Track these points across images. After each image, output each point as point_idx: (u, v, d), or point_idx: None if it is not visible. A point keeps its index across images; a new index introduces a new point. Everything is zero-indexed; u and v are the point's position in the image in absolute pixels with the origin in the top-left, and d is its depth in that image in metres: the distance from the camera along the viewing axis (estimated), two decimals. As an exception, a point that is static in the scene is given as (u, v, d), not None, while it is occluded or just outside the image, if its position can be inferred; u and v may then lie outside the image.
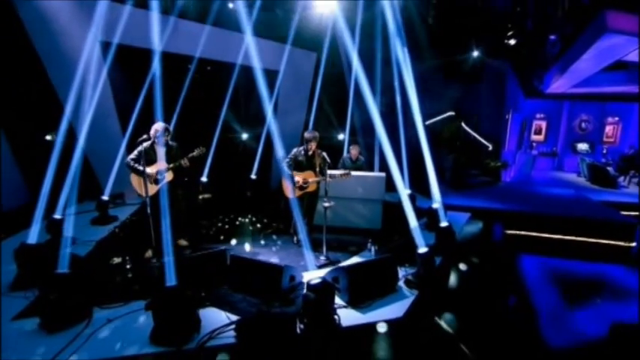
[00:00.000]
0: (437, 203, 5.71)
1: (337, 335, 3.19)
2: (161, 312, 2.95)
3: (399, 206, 6.66)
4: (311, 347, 3.07)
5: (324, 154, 5.13)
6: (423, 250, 4.00)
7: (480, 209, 7.41)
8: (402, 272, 4.36)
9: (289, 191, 5.20)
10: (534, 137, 13.94)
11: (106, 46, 6.88)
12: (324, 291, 3.15)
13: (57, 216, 5.22)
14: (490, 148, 10.46)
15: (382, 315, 3.55)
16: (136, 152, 4.72)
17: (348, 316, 3.50)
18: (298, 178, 5.25)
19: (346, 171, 5.30)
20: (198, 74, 8.48)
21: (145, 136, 4.90)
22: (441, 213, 5.41)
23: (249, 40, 7.82)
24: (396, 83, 8.87)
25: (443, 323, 3.45)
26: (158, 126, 4.71)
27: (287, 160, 5.30)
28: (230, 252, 4.29)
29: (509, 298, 4.49)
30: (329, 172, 5.24)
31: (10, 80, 6.33)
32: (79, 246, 5.12)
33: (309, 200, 5.41)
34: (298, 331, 3.18)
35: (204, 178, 8.75)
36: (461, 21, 10.67)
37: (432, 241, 5.09)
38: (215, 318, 3.39)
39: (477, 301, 3.96)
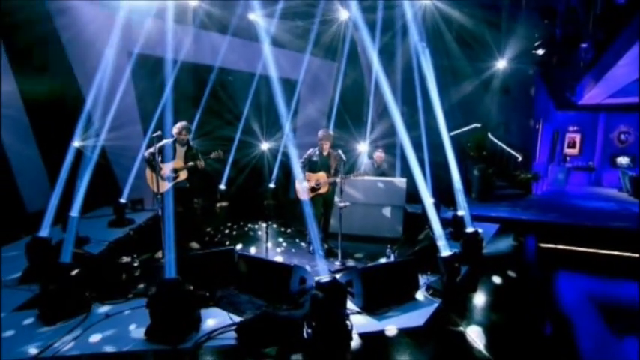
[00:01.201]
0: (462, 211, 5.33)
1: (348, 342, 2.85)
2: (158, 305, 2.75)
3: (421, 217, 6.33)
4: (319, 354, 2.75)
5: (340, 152, 4.88)
6: (446, 253, 3.63)
7: (510, 220, 6.88)
8: (423, 280, 3.99)
9: (301, 193, 4.99)
10: (568, 151, 13.16)
11: (131, 55, 7.12)
12: (334, 290, 2.85)
13: (74, 214, 5.24)
14: (519, 159, 9.90)
15: (400, 323, 3.19)
16: (152, 148, 4.70)
17: (361, 323, 3.17)
18: (310, 179, 5.04)
19: (360, 172, 5.06)
20: (219, 83, 8.62)
21: (159, 132, 4.91)
22: (467, 220, 5.02)
23: (268, 50, 7.95)
24: (419, 93, 8.69)
25: (471, 335, 3.04)
26: (180, 125, 4.78)
27: (301, 160, 5.12)
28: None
29: (546, 323, 3.96)
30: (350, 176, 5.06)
31: (44, 88, 6.51)
32: (92, 245, 5.11)
33: (324, 204, 5.15)
34: (305, 335, 2.88)
35: (222, 186, 8.72)
36: (485, 33, 10.41)
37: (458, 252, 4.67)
38: (217, 319, 3.16)
39: (510, 319, 3.48)
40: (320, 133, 5.05)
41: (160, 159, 4.60)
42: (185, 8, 7.69)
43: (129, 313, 3.23)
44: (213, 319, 3.15)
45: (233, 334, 2.88)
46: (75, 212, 5.33)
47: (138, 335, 2.85)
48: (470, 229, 4.62)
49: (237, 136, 8.80)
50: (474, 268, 4.40)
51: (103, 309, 3.28)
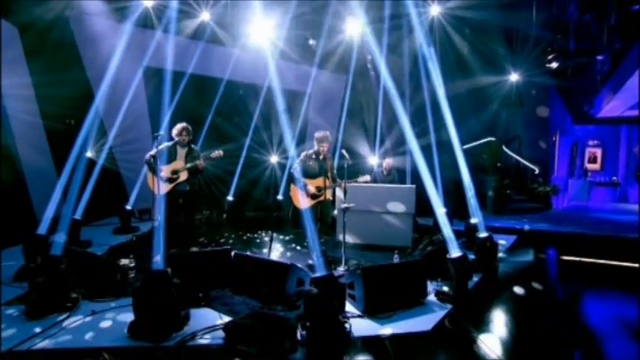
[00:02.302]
0: (475, 218, 5.05)
1: (346, 345, 2.59)
2: (143, 298, 2.57)
3: (432, 229, 6.04)
4: (313, 357, 2.50)
5: (344, 151, 4.59)
6: (456, 254, 3.35)
7: (528, 231, 6.48)
8: (433, 287, 3.69)
9: (301, 201, 4.60)
10: (589, 166, 12.63)
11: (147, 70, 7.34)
12: (330, 286, 2.61)
13: (77, 217, 5.23)
14: (536, 171, 9.51)
15: (405, 327, 2.90)
16: (155, 150, 4.67)
17: (362, 326, 2.90)
18: (310, 185, 4.63)
19: (365, 176, 4.79)
20: (227, 96, 8.72)
21: (161, 132, 4.89)
22: (481, 226, 4.72)
23: (277, 63, 8.07)
24: (428, 105, 8.58)
25: (485, 343, 2.73)
26: (179, 126, 4.74)
27: (295, 165, 4.68)
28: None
29: (569, 339, 3.56)
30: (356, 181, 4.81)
31: (62, 100, 6.64)
32: (93, 249, 5.03)
33: (322, 209, 4.78)
34: (299, 337, 2.64)
35: (230, 198, 8.64)
36: (497, 46, 10.33)
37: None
38: (207, 319, 2.95)
39: (530, 331, 3.13)
40: (319, 134, 4.65)
41: (159, 161, 4.56)
42: (195, 23, 7.89)
43: (116, 311, 3.06)
44: (203, 319, 2.94)
45: (221, 334, 2.66)
46: (77, 215, 5.36)
47: (120, 332, 2.66)
48: (483, 234, 4.32)
49: (245, 148, 8.80)
50: (488, 275, 4.07)
51: (91, 306, 3.12)
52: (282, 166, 9.04)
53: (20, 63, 6.13)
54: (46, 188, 6.49)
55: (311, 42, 8.97)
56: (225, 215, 8.40)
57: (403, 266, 3.49)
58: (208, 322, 2.88)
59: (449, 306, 3.31)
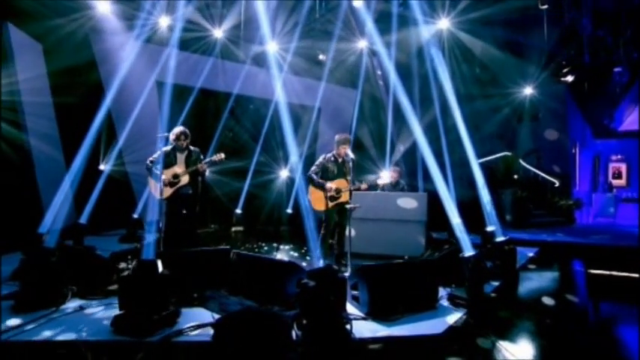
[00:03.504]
0: (492, 226, 4.77)
1: (346, 346, 2.33)
2: (129, 289, 2.40)
3: (445, 242, 5.74)
4: (308, 358, 2.25)
5: (349, 151, 4.51)
6: (469, 253, 3.08)
7: (551, 243, 6.05)
8: (445, 292, 3.39)
9: (319, 203, 4.52)
10: (614, 182, 12.02)
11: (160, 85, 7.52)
12: (328, 278, 2.38)
13: (81, 221, 5.22)
14: (557, 184, 9.07)
15: (413, 330, 2.62)
16: (155, 155, 4.64)
17: (364, 328, 2.64)
18: (330, 187, 4.51)
19: (369, 179, 4.64)
20: (237, 110, 8.82)
21: (166, 134, 4.87)
22: (498, 232, 4.43)
23: (285, 78, 8.18)
24: (440, 119, 8.45)
25: (506, 348, 2.42)
26: (177, 130, 4.69)
27: (314, 168, 4.67)
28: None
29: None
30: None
31: (79, 113, 6.80)
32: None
33: (339, 214, 4.62)
34: (294, 337, 2.40)
35: (238, 210, 8.55)
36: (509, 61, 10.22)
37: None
38: (199, 318, 2.74)
39: (556, 344, 2.77)
40: (339, 137, 4.59)
41: (160, 166, 4.52)
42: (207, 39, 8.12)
43: (106, 308, 2.90)
44: (195, 318, 2.74)
45: (210, 331, 2.44)
46: (83, 219, 5.35)
47: (105, 327, 2.49)
48: (501, 238, 4.01)
49: (255, 161, 8.79)
50: (508, 282, 3.73)
51: (82, 303, 2.98)
52: (292, 180, 8.94)
53: (42, 79, 6.39)
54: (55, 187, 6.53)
55: (321, 57, 9.08)
56: (233, 228, 8.28)
57: (412, 266, 3.23)
58: (200, 321, 2.68)
59: (463, 310, 3.01)
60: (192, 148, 4.82)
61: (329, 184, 4.48)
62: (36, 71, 6.07)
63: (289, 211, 8.65)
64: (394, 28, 7.87)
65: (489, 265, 3.90)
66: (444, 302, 3.18)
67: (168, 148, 4.69)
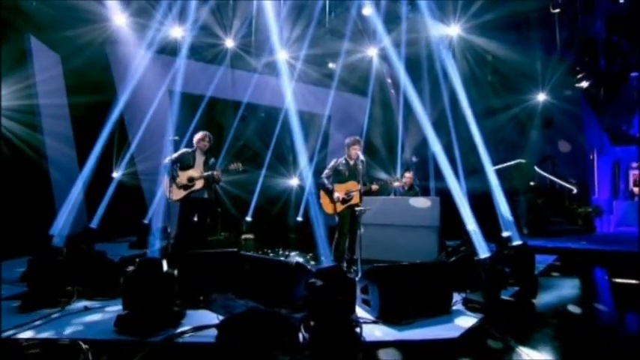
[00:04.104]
0: (507, 232, 4.61)
1: (356, 350, 2.22)
2: (132, 287, 2.35)
3: (459, 246, 5.57)
4: (316, 361, 2.15)
5: (360, 153, 4.48)
6: (485, 255, 2.95)
7: (571, 250, 5.81)
8: (460, 297, 3.24)
9: (331, 206, 4.52)
10: (635, 189, 11.62)
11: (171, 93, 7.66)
12: (336, 277, 2.29)
13: (92, 226, 5.25)
14: (574, 191, 8.78)
15: (427, 334, 2.49)
16: (175, 154, 4.65)
17: (375, 331, 2.52)
18: (339, 190, 4.50)
19: (381, 180, 4.56)
20: (247, 118, 8.88)
21: (176, 137, 4.89)
22: (515, 237, 4.26)
23: (295, 86, 8.22)
24: (452, 125, 8.33)
25: (527, 354, 2.27)
26: (201, 133, 4.72)
27: (326, 172, 4.65)
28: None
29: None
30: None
31: (93, 119, 6.94)
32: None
33: (351, 217, 4.53)
34: (301, 339, 2.30)
35: (248, 218, 8.51)
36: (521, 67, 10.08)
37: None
38: (204, 320, 2.66)
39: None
40: (349, 139, 4.59)
41: (178, 166, 4.53)
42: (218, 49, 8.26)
43: (110, 308, 2.86)
44: (200, 320, 2.67)
45: (214, 332, 2.36)
46: (93, 225, 5.39)
47: (108, 327, 2.44)
48: (517, 242, 3.85)
49: (265, 169, 8.80)
50: (526, 287, 3.55)
51: (87, 303, 2.94)
52: (302, 188, 8.90)
53: (59, 84, 6.59)
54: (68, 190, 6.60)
55: (331, 65, 9.13)
56: (243, 236, 8.23)
57: (425, 267, 3.10)
58: (204, 323, 2.61)
59: (479, 315, 2.86)
60: (210, 154, 4.82)
61: (336, 194, 4.44)
62: (53, 77, 6.27)
63: (300, 219, 8.58)
64: (404, 34, 7.87)
65: (507, 270, 3.73)
66: (459, 307, 3.04)
67: (189, 149, 4.71)
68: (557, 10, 7.92)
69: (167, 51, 7.80)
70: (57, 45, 6.44)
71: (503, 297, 3.05)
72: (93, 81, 6.80)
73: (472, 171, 9.09)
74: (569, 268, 5.18)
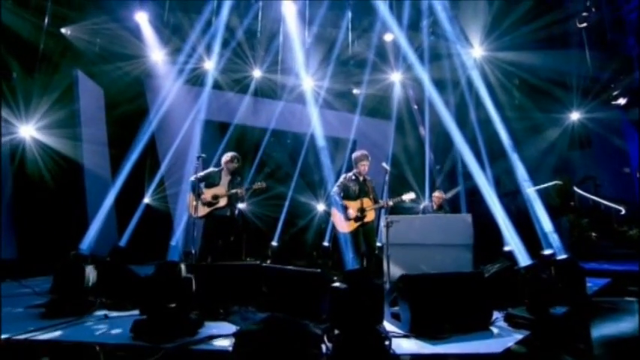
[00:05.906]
0: (549, 250, 4.25)
1: (385, 362, 2.00)
2: (149, 291, 2.28)
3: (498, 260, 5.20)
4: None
5: (384, 164, 4.30)
6: (526, 262, 2.67)
7: (627, 273, 5.23)
8: (499, 315, 2.92)
9: (343, 225, 4.32)
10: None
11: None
12: (363, 281, 2.11)
13: (121, 244, 5.36)
14: (623, 212, 8.08)
15: (465, 349, 2.22)
16: (202, 173, 4.74)
17: (406, 344, 2.28)
18: (351, 207, 4.31)
19: (410, 195, 4.36)
20: (273, 144, 9.07)
21: (203, 155, 4.99)
22: (559, 252, 3.90)
23: (321, 113, 8.37)
24: (483, 147, 8.10)
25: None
26: (230, 153, 4.81)
27: (335, 189, 4.48)
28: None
29: None
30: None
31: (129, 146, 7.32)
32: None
33: (365, 235, 4.36)
34: (324, 350, 2.11)
35: (274, 243, 8.43)
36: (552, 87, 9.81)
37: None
38: (222, 331, 2.53)
39: None
40: (356, 154, 4.45)
41: (203, 184, 4.60)
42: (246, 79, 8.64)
43: (131, 318, 2.78)
44: (218, 330, 2.54)
45: (231, 342, 2.23)
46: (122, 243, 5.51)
47: (124, 333, 2.36)
48: (563, 256, 3.49)
49: (291, 194, 8.81)
50: (577, 306, 3.16)
51: (106, 312, 2.91)
52: (329, 214, 8.78)
53: (101, 117, 7.09)
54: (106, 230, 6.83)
55: (355, 91, 9.28)
56: (269, 261, 8.11)
57: (462, 278, 2.83)
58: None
59: (524, 332, 2.54)
60: (236, 175, 4.88)
61: (350, 211, 4.26)
62: (95, 107, 6.76)
63: (326, 244, 8.39)
64: (427, 58, 7.90)
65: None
66: (500, 323, 2.73)
67: (217, 169, 4.79)
68: (584, 24, 7.72)
69: (198, 82, 8.24)
70: (100, 79, 7.04)
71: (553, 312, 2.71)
72: (130, 108, 7.27)
73: (507, 193, 8.65)
74: (626, 292, 4.62)
